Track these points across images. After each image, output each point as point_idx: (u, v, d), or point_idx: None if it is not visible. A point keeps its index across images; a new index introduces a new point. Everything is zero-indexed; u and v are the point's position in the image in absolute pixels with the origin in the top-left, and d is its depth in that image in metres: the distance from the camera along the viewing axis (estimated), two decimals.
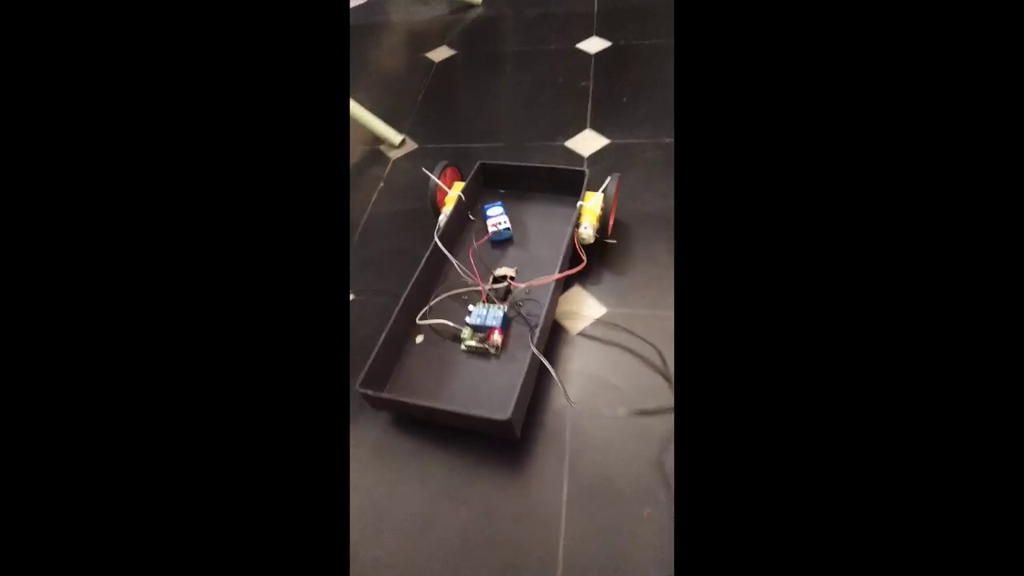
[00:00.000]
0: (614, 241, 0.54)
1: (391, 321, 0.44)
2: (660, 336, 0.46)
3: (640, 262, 0.52)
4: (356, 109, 0.70)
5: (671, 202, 0.56)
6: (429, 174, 0.55)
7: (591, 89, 0.73)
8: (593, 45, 0.81)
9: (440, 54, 0.86)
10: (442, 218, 0.53)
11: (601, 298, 0.50)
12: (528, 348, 0.42)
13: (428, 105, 0.77)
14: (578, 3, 0.91)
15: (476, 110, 0.75)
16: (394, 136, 0.71)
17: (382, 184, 0.67)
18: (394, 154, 0.71)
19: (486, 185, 0.59)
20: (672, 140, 0.63)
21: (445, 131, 0.73)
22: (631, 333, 0.47)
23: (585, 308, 0.49)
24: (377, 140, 0.72)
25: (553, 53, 0.81)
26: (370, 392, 0.40)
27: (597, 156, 0.64)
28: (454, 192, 0.55)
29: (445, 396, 0.43)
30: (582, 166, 0.62)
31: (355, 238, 0.60)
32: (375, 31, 0.95)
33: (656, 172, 0.60)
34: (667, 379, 0.43)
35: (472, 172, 0.57)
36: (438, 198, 0.56)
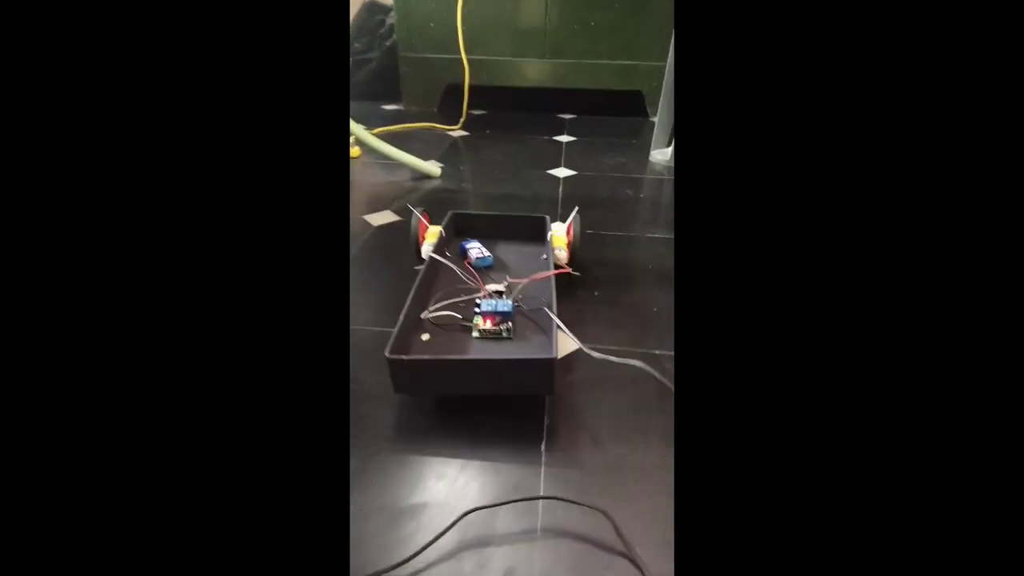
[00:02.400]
0: (578, 274, 0.57)
1: (406, 306, 0.44)
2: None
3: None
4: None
5: None
6: (413, 209, 0.58)
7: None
8: (557, 230, 0.72)
9: (381, 218, 0.77)
10: (426, 247, 0.57)
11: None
12: (537, 328, 0.47)
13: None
14: (544, 188, 0.87)
15: (394, 295, 0.54)
16: (434, 168, 0.82)
17: None
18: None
19: (457, 235, 0.63)
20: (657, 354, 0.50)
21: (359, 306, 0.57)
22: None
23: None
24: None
25: None
26: (404, 357, 0.39)
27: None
28: (435, 228, 0.59)
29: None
30: None
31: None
32: None
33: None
34: None
35: (445, 220, 0.61)
36: (420, 234, 0.58)
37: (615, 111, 1.30)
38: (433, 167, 0.91)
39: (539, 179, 0.91)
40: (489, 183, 0.90)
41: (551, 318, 0.44)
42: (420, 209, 0.59)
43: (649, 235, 0.72)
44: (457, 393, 0.42)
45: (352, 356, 0.48)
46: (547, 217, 0.62)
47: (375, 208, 0.79)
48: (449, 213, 0.62)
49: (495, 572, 0.31)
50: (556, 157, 1.01)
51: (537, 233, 0.62)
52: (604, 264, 0.64)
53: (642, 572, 0.31)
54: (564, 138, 1.13)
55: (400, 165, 0.92)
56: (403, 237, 0.71)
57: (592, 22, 1.19)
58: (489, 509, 0.34)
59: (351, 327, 0.52)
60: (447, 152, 1.04)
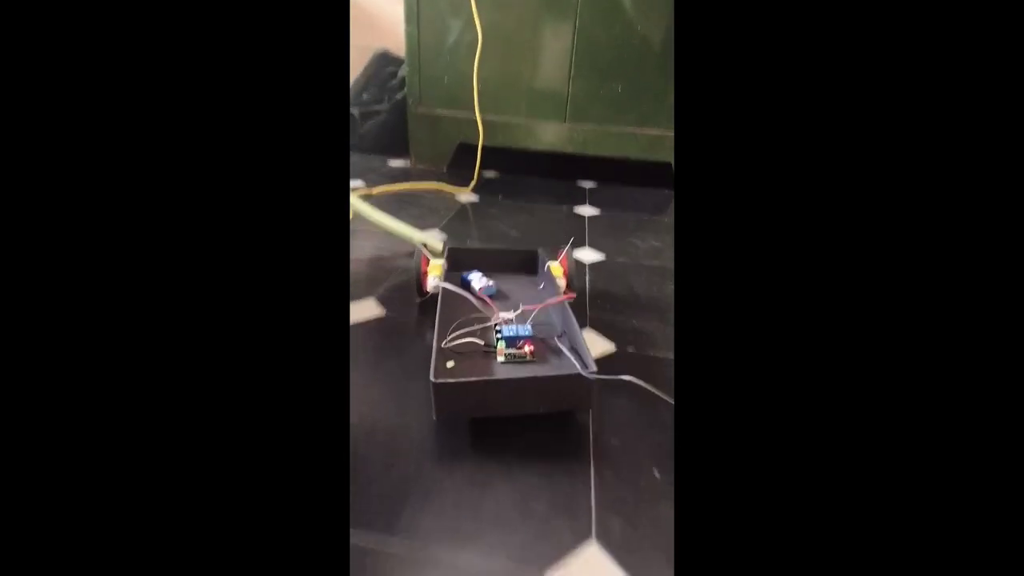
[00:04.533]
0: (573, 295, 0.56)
1: (435, 339, 0.46)
2: None
3: None
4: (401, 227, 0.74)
5: None
6: (417, 244, 0.64)
7: None
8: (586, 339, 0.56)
9: (361, 311, 0.61)
10: (432, 280, 0.59)
11: None
12: (558, 349, 0.49)
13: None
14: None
15: (387, 404, 0.45)
16: (435, 243, 0.76)
17: None
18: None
19: (453, 268, 0.64)
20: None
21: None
22: None
23: None
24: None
25: None
26: (450, 380, 0.40)
27: None
28: (437, 261, 0.61)
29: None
30: None
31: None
32: None
33: None
34: None
35: (443, 254, 0.64)
36: (423, 267, 0.60)
37: (640, 181, 1.18)
38: (434, 242, 0.77)
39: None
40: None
41: (569, 340, 0.49)
42: (422, 245, 0.62)
43: None
44: (499, 414, 0.43)
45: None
46: (540, 249, 0.65)
47: (355, 294, 0.63)
48: (446, 248, 0.65)
49: None
50: (578, 233, 0.87)
51: (530, 266, 0.66)
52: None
53: None
54: (587, 209, 0.99)
55: (392, 236, 0.77)
56: (391, 338, 0.55)
57: (620, 87, 1.09)
58: None
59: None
60: (453, 219, 0.91)
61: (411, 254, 0.75)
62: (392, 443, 0.41)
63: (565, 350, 0.48)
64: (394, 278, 0.68)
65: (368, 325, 0.57)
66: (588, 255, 0.80)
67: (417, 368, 0.50)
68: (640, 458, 0.41)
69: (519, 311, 0.53)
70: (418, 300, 0.61)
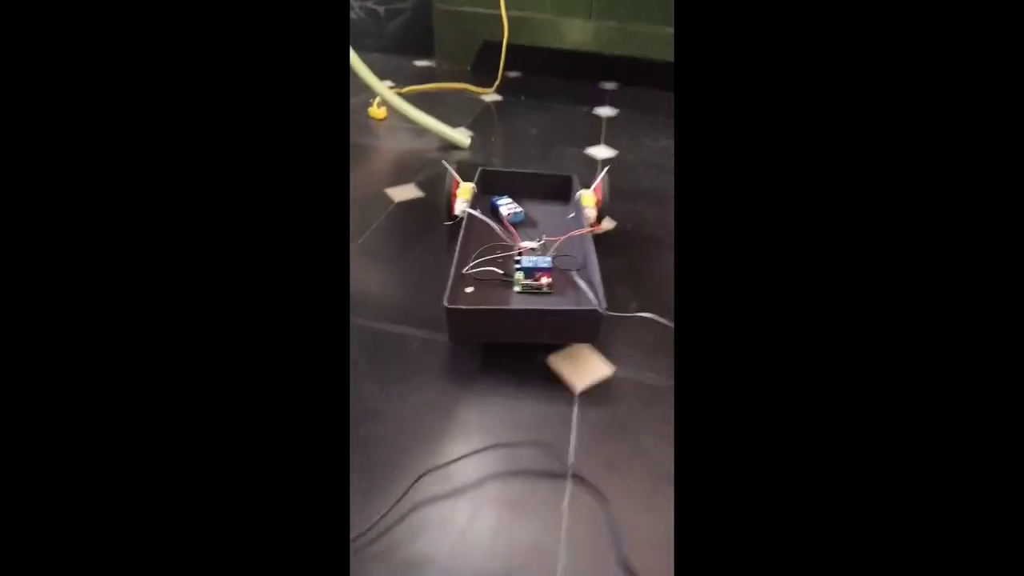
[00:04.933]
0: (607, 226, 0.60)
1: (454, 263, 0.47)
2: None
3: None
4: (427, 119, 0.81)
5: None
6: (447, 165, 0.60)
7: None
8: None
9: (403, 193, 0.71)
10: (460, 203, 0.58)
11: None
12: (575, 284, 0.49)
13: (362, 254, 0.59)
14: (580, 170, 0.79)
15: (412, 279, 0.55)
16: (463, 138, 0.82)
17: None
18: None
19: (484, 192, 0.64)
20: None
21: (379, 293, 0.53)
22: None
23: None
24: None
25: None
26: (463, 307, 0.41)
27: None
28: (467, 184, 0.61)
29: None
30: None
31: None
32: (356, 152, 0.82)
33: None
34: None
35: (475, 177, 0.62)
36: (452, 190, 0.59)
37: (663, 85, 1.19)
38: (462, 136, 0.84)
39: (575, 158, 0.84)
40: (520, 159, 0.83)
41: (588, 274, 0.49)
42: (453, 165, 0.60)
43: None
44: (508, 342, 0.44)
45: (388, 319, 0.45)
46: (574, 176, 0.63)
47: (398, 180, 0.73)
48: (479, 170, 0.64)
49: None
50: (595, 134, 0.93)
51: (563, 192, 0.64)
52: (635, 274, 0.59)
53: None
54: (605, 111, 1.04)
55: (426, 132, 0.85)
56: (426, 215, 0.66)
57: None
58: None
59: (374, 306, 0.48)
60: (478, 118, 0.97)
61: (446, 148, 0.84)
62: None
63: (582, 284, 0.48)
64: (430, 168, 0.77)
65: (411, 203, 0.68)
66: (602, 152, 0.87)
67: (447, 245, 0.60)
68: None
69: (542, 241, 0.54)
70: (447, 223, 0.61)
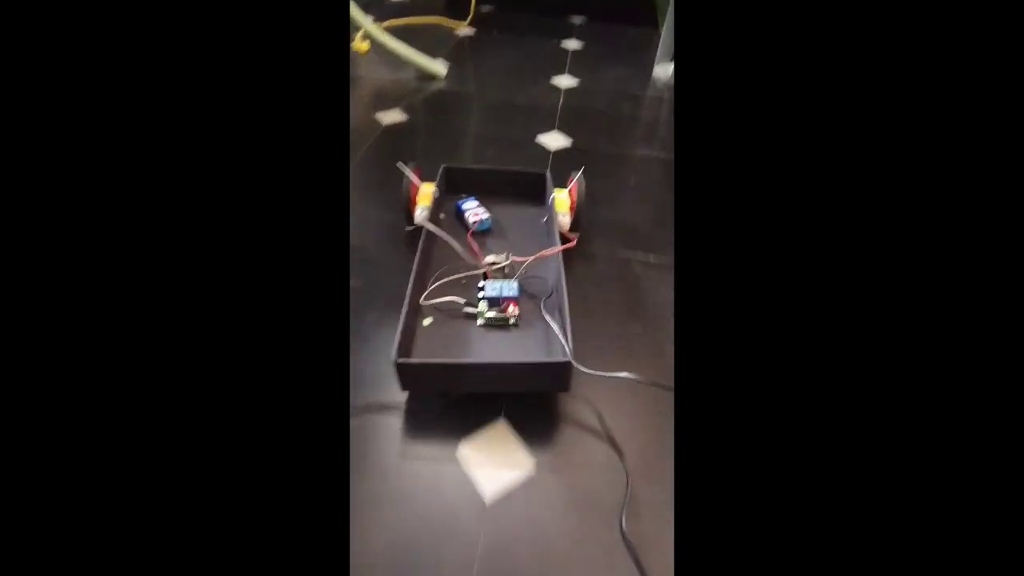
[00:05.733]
0: (577, 234, 0.55)
1: (407, 295, 0.42)
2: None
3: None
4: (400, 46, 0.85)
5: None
6: (403, 168, 0.54)
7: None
8: (553, 140, 0.78)
9: (390, 117, 0.81)
10: (420, 211, 0.53)
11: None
12: (545, 314, 0.45)
13: (362, 171, 0.69)
14: (545, 97, 0.90)
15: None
16: (440, 68, 0.88)
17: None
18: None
19: (448, 191, 0.59)
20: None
21: (376, 200, 0.63)
22: None
23: None
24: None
25: (511, 142, 0.77)
26: (411, 360, 0.38)
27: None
28: (428, 188, 0.56)
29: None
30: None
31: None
32: None
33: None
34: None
35: (438, 176, 0.57)
36: (412, 195, 0.55)
37: (627, 19, 1.27)
38: (439, 67, 0.93)
39: (542, 88, 0.94)
40: (492, 88, 0.92)
41: (559, 301, 0.43)
42: (412, 165, 0.55)
43: (641, 152, 0.78)
44: (467, 391, 0.41)
45: (370, 244, 0.56)
46: (547, 173, 0.58)
47: (384, 106, 0.83)
48: (441, 168, 0.58)
49: None
50: (561, 65, 1.02)
51: (536, 191, 0.58)
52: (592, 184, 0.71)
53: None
54: (572, 43, 1.12)
55: (406, 63, 0.93)
56: (412, 136, 0.76)
57: None
58: None
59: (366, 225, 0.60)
60: (452, 51, 1.05)
61: (424, 78, 0.92)
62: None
63: (551, 323, 0.43)
64: (411, 96, 0.87)
65: (397, 126, 0.79)
66: (565, 81, 0.97)
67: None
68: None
69: (507, 261, 0.49)
70: (408, 228, 0.55)
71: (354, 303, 0.49)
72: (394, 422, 0.40)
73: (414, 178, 0.54)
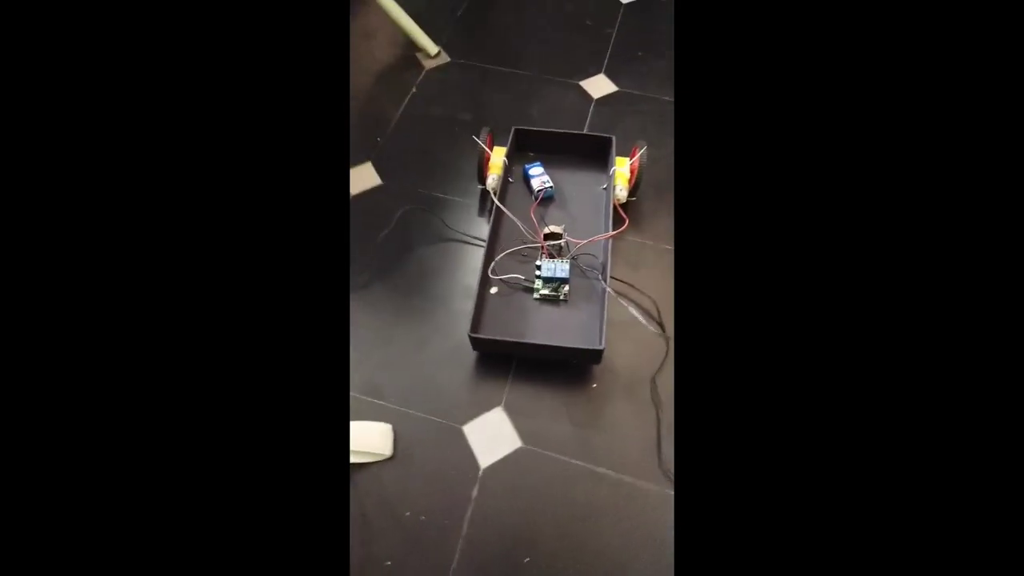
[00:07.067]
0: (634, 199, 0.63)
1: (479, 273, 0.55)
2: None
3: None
4: (399, 14, 0.75)
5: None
6: (477, 140, 0.61)
7: (613, 37, 0.81)
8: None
9: (431, 62, 0.79)
10: (491, 180, 0.62)
11: None
12: (591, 294, 0.56)
13: (467, 22, 0.80)
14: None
15: (510, 33, 0.81)
16: (431, 46, 0.78)
17: (414, 90, 0.75)
18: (428, 64, 0.78)
19: (518, 149, 0.66)
20: (671, 98, 0.73)
21: (477, 51, 0.78)
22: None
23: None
24: (413, 47, 0.78)
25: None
26: (481, 336, 0.52)
27: (605, 99, 0.74)
28: (498, 158, 0.63)
29: (531, 336, 0.54)
30: (590, 105, 0.73)
31: (387, 133, 0.70)
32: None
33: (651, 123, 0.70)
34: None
35: (510, 138, 0.64)
36: (484, 161, 0.62)
37: None
38: (430, 44, 0.80)
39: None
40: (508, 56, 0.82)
41: (602, 286, 0.54)
42: (486, 130, 0.62)
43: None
44: (522, 357, 0.54)
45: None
46: (612, 138, 0.63)
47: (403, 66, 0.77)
48: (512, 130, 0.64)
49: None
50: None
51: (600, 154, 0.64)
52: None
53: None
54: None
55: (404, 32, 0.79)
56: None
57: None
58: None
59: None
60: (468, 8, 0.97)
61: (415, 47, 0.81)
62: None
63: (631, 310, 0.54)
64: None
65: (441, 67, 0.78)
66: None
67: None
68: None
69: (564, 240, 0.57)
70: (480, 187, 0.64)
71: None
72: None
73: (486, 148, 0.61)
